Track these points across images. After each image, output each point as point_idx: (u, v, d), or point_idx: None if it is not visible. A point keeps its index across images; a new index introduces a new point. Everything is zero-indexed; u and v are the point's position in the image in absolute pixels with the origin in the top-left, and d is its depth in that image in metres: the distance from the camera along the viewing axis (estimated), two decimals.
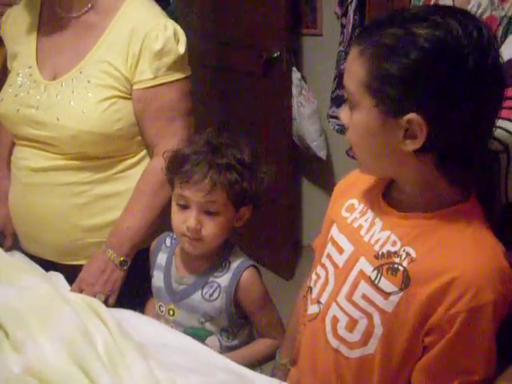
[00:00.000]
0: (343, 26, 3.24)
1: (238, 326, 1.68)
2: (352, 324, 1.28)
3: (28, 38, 1.88)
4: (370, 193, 1.37)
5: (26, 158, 1.84)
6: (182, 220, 1.59)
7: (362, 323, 1.26)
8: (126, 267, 1.81)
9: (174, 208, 1.63)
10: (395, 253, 1.23)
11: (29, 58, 1.86)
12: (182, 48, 1.79)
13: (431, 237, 1.21)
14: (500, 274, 1.16)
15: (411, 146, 1.16)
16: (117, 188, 1.84)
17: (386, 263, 1.24)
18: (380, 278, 1.23)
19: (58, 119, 1.74)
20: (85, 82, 1.76)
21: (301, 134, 3.56)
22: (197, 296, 1.64)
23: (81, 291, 1.75)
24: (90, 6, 1.81)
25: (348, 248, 1.34)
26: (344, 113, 1.25)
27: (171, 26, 1.78)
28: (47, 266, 1.85)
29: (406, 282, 1.20)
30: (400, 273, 1.21)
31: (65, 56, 1.82)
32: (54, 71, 1.82)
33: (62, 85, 1.78)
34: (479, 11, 2.04)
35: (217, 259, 1.66)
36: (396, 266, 1.22)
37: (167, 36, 1.75)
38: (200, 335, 1.63)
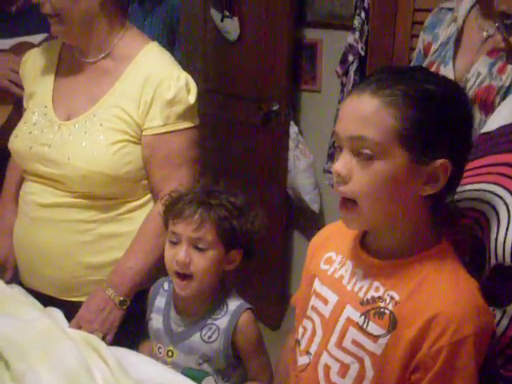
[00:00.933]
0: (343, 85, 3.31)
1: (233, 368, 1.71)
2: (344, 370, 1.32)
3: (45, 79, 1.95)
4: (347, 244, 1.42)
5: (34, 192, 1.89)
6: (173, 255, 1.63)
7: (354, 368, 1.30)
8: (125, 307, 1.83)
9: (167, 246, 1.67)
10: (379, 298, 1.29)
11: (45, 97, 1.92)
12: (192, 98, 1.85)
13: (412, 280, 1.27)
14: (477, 309, 1.24)
15: (430, 190, 1.24)
16: (120, 229, 1.88)
17: (372, 308, 1.29)
18: (368, 323, 1.28)
19: (68, 158, 1.79)
20: (97, 124, 1.81)
21: (295, 187, 3.61)
22: (196, 337, 1.67)
23: (79, 328, 1.77)
24: (106, 53, 1.88)
25: (332, 298, 1.38)
26: (345, 164, 1.25)
27: (184, 76, 1.85)
28: (45, 300, 1.87)
29: (393, 324, 1.25)
30: (387, 316, 1.26)
31: (80, 98, 1.88)
32: (68, 112, 1.88)
33: (75, 126, 1.84)
34: (478, 80, 2.12)
35: (214, 302, 1.70)
36: (382, 309, 1.27)
37: (179, 86, 1.82)
38: (197, 376, 1.65)
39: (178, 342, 1.70)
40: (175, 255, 1.62)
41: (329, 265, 1.43)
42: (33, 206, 1.89)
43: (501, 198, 1.35)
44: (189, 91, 1.84)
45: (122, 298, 1.83)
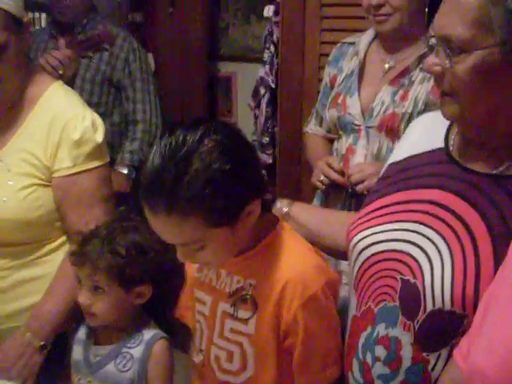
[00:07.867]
0: (256, 117, 3.38)
1: None
2: (230, 355, 1.51)
3: None
4: None
5: None
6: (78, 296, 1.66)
7: (237, 351, 1.49)
8: (45, 351, 1.79)
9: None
10: (241, 287, 1.49)
11: None
12: (99, 137, 1.83)
13: (263, 264, 1.47)
14: (317, 268, 1.45)
15: None
16: (37, 273, 1.84)
17: (237, 298, 1.49)
18: (237, 311, 1.49)
19: None
20: (5, 170, 1.78)
21: None
22: (111, 366, 1.66)
23: None
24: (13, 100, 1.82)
25: (208, 299, 1.57)
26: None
27: (89, 116, 1.82)
28: None
29: (254, 305, 1.46)
30: (249, 300, 1.47)
31: None
32: None
33: None
34: (383, 108, 2.23)
35: (131, 331, 1.69)
36: (244, 296, 1.48)
37: (85, 126, 1.79)
38: None
39: (95, 372, 1.69)
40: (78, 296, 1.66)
41: (201, 272, 1.60)
42: None
43: (428, 238, 1.33)
44: (96, 130, 1.82)
45: (42, 343, 1.78)
